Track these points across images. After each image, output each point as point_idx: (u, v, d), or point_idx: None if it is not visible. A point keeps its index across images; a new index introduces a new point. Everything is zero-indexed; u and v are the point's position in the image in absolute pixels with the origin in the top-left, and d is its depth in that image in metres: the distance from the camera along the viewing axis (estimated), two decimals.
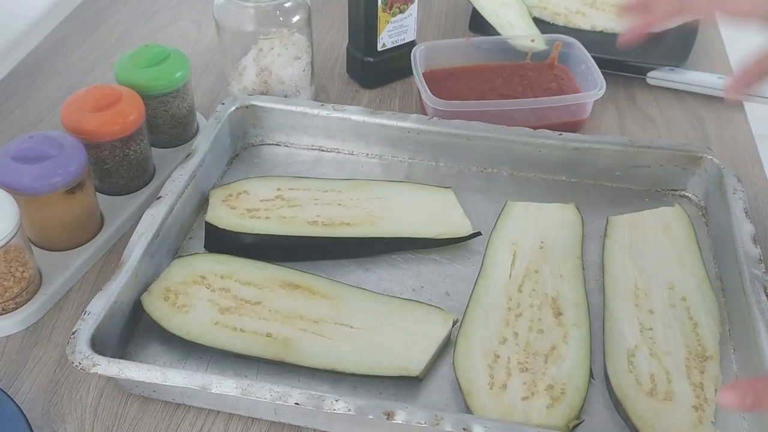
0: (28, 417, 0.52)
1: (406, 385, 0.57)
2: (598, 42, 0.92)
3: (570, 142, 0.73)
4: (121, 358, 0.56)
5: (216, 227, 0.66)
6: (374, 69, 0.88)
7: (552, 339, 0.58)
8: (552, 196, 0.72)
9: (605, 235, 0.68)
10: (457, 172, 0.76)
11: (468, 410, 0.54)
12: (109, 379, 0.57)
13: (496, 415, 0.53)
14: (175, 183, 0.67)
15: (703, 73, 0.89)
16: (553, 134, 0.73)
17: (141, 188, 0.72)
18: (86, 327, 0.54)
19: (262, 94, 0.81)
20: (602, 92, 0.78)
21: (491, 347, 0.58)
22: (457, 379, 0.56)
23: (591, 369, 0.57)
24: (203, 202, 0.71)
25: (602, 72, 0.80)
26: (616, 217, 0.70)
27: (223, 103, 0.76)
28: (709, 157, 0.71)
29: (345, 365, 0.56)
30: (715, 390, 0.56)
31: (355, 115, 0.75)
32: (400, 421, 0.49)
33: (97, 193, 0.69)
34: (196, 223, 0.70)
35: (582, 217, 0.69)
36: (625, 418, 0.54)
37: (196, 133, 0.80)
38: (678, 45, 0.92)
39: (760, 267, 0.60)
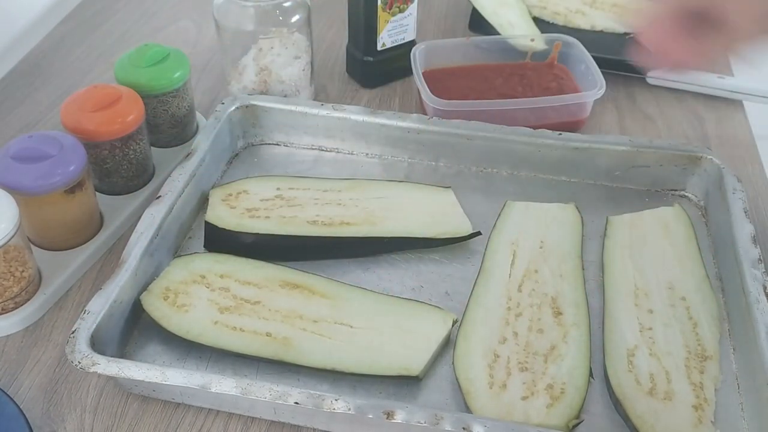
0: (27, 416, 0.52)
1: (405, 384, 0.57)
2: (598, 42, 0.92)
3: (570, 142, 0.73)
4: (121, 357, 0.57)
5: (216, 227, 0.66)
6: (374, 69, 0.88)
7: (552, 339, 0.58)
8: (552, 196, 0.72)
9: (605, 235, 0.68)
10: (456, 171, 0.76)
11: (468, 410, 0.54)
12: (108, 378, 0.57)
13: (495, 414, 0.53)
14: (175, 182, 0.67)
15: (703, 73, 0.89)
16: (553, 134, 0.73)
17: (141, 188, 0.72)
18: (86, 326, 0.54)
19: (262, 93, 0.81)
20: (602, 92, 0.78)
21: (491, 347, 0.58)
22: (457, 379, 0.56)
23: (591, 369, 0.57)
24: (203, 202, 0.71)
25: (602, 72, 0.80)
26: (616, 217, 0.70)
27: (223, 103, 0.76)
28: (709, 157, 0.71)
29: (345, 365, 0.56)
30: (715, 390, 0.56)
31: (354, 114, 0.75)
32: (399, 421, 0.49)
33: (97, 193, 0.69)
34: (196, 223, 0.70)
35: (582, 217, 0.69)
36: (625, 417, 0.54)
37: (196, 132, 0.80)
38: None
39: (759, 267, 0.60)
